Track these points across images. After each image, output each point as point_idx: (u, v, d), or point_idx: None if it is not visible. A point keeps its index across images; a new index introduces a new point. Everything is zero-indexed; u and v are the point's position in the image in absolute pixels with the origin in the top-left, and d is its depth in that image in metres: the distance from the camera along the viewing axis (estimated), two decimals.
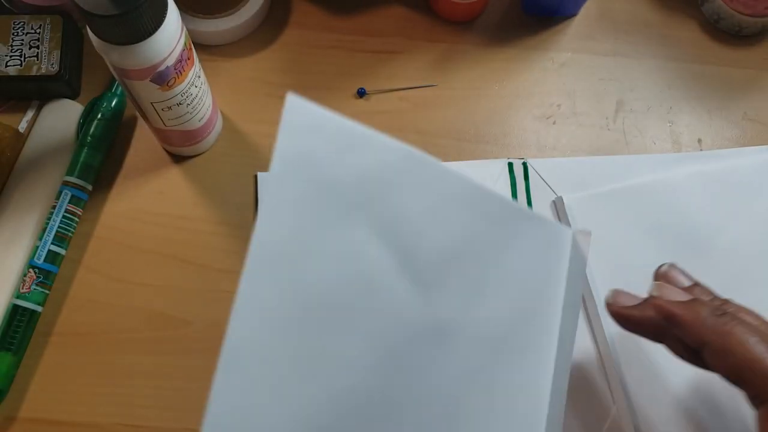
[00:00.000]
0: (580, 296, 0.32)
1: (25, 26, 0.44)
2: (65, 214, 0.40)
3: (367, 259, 0.24)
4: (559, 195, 0.43)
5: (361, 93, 0.46)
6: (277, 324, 0.22)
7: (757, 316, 0.30)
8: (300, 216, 0.22)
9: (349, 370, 0.23)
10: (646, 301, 0.32)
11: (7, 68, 0.43)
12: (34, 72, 0.43)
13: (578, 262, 0.31)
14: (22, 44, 0.43)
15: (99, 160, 0.43)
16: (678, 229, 0.42)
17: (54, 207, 0.40)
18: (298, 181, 0.23)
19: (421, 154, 0.26)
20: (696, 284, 0.33)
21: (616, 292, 0.33)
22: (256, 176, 0.44)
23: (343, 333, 0.23)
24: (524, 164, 0.44)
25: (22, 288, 0.39)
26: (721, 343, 0.28)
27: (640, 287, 0.35)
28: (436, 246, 0.26)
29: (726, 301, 0.31)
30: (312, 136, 0.23)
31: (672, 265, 0.34)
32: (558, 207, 0.43)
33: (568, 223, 0.42)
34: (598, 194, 0.43)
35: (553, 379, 0.28)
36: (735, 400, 0.36)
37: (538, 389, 0.28)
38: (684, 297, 0.31)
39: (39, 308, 0.39)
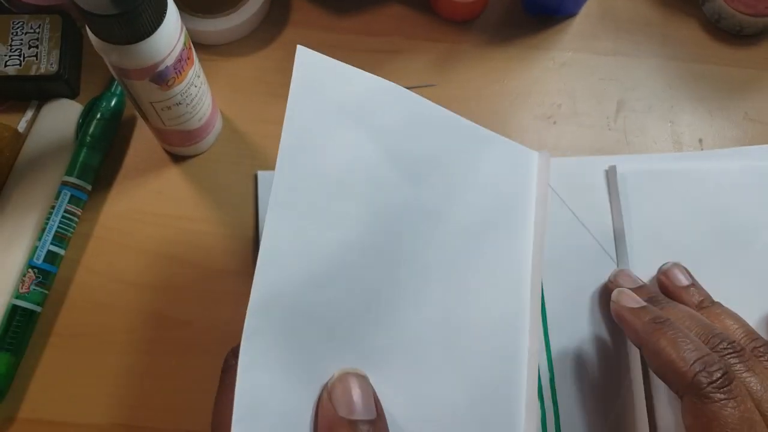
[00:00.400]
0: (546, 208, 0.39)
1: (25, 26, 0.43)
2: (64, 214, 0.40)
3: (365, 152, 0.31)
4: (612, 164, 0.43)
5: None
6: (302, 182, 0.29)
7: (731, 320, 0.34)
8: (313, 120, 0.30)
9: (354, 227, 0.30)
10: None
11: (6, 68, 0.43)
12: (33, 72, 0.43)
13: (543, 180, 0.39)
14: (21, 44, 0.43)
15: (98, 160, 0.43)
16: (726, 218, 0.41)
17: (53, 207, 0.40)
18: (311, 100, 0.31)
19: (401, 87, 0.34)
20: (692, 284, 0.37)
21: (619, 273, 0.38)
22: (256, 175, 0.44)
23: (348, 198, 0.30)
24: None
25: (22, 288, 0.39)
26: (653, 345, 0.32)
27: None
28: (417, 152, 0.33)
29: (714, 303, 0.35)
30: (319, 72, 0.32)
31: (675, 264, 0.39)
32: (610, 176, 0.43)
33: (617, 194, 0.42)
34: (652, 170, 0.43)
35: (531, 262, 0.37)
36: None
37: (519, 263, 0.36)
38: (636, 304, 0.35)
39: (38, 308, 0.39)
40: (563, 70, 0.48)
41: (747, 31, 0.49)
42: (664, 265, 0.39)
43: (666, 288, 0.38)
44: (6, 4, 0.45)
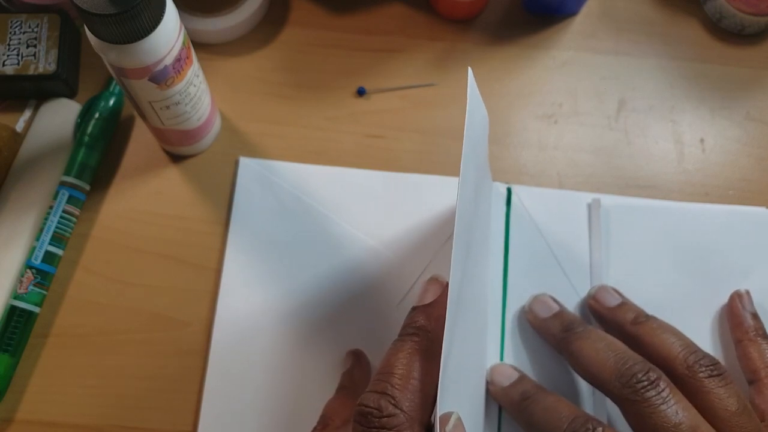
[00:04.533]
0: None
1: (23, 25, 0.43)
2: (63, 214, 0.40)
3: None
4: (596, 197, 0.42)
5: (361, 92, 0.46)
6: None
7: (667, 334, 0.33)
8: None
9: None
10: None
11: (5, 67, 0.42)
12: (31, 71, 0.42)
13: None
14: (19, 43, 0.43)
15: (96, 159, 0.42)
16: (709, 260, 0.41)
17: (51, 207, 0.40)
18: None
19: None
20: (623, 302, 0.37)
21: (535, 300, 0.39)
22: (237, 161, 0.44)
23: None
24: (508, 189, 0.43)
25: (20, 289, 0.38)
26: (568, 353, 0.34)
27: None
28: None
29: (649, 318, 0.35)
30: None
31: (602, 286, 0.39)
32: (593, 209, 0.42)
33: (599, 227, 0.41)
34: (637, 205, 0.43)
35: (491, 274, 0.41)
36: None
37: (487, 276, 0.40)
38: (548, 314, 0.37)
39: (36, 309, 0.39)
40: (564, 69, 0.48)
41: (748, 30, 0.49)
42: (591, 289, 0.39)
43: (597, 312, 0.38)
44: (4, 3, 0.45)
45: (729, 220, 0.42)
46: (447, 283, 0.29)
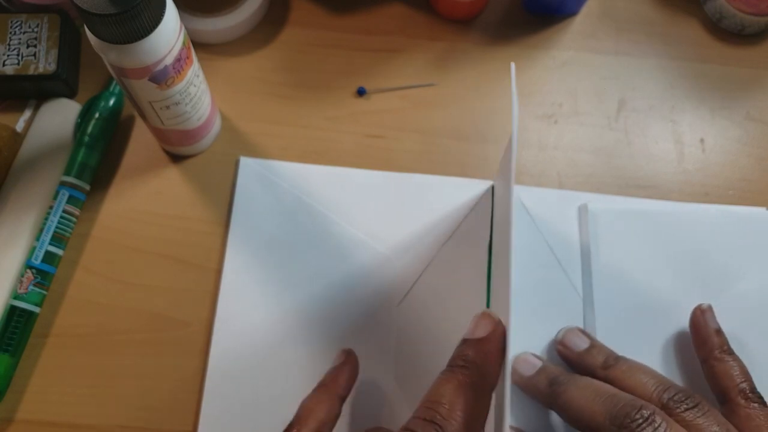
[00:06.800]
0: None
1: (23, 25, 0.43)
2: (63, 214, 0.40)
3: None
4: (584, 202, 0.42)
5: (361, 92, 0.46)
6: None
7: (639, 373, 0.33)
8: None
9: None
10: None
11: (5, 67, 0.42)
12: (31, 71, 0.42)
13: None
14: (19, 43, 0.43)
15: (97, 159, 0.42)
16: (700, 262, 0.41)
17: (51, 207, 0.40)
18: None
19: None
20: (592, 345, 0.36)
21: (517, 359, 0.37)
22: (237, 160, 0.44)
23: None
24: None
25: (20, 289, 0.38)
26: (557, 406, 0.33)
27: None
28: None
29: (619, 359, 0.35)
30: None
31: (569, 330, 0.38)
32: (581, 214, 0.42)
33: (587, 232, 0.41)
34: (625, 210, 0.42)
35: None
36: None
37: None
38: (532, 371, 0.36)
39: (36, 309, 0.39)
40: (564, 69, 0.48)
41: (748, 30, 0.49)
42: (558, 333, 0.38)
43: (567, 357, 0.37)
44: (4, 3, 0.45)
45: (728, 221, 0.42)
46: (499, 320, 0.29)
